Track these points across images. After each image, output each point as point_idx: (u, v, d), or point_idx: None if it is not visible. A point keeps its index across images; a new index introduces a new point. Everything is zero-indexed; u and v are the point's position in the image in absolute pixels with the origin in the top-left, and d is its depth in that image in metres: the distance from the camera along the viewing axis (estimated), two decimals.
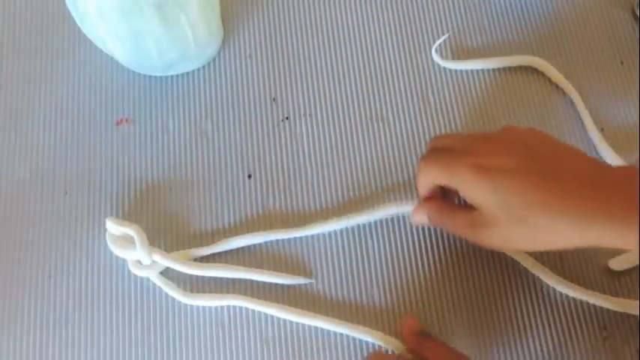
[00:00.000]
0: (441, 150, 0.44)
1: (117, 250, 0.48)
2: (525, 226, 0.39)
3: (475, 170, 0.40)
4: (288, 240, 0.50)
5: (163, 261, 0.47)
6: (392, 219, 0.50)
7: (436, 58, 0.55)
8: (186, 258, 0.48)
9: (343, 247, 0.49)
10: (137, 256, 0.47)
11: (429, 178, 0.44)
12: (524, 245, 0.41)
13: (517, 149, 0.41)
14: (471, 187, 0.40)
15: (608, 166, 0.41)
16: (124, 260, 0.49)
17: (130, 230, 0.47)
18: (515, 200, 0.39)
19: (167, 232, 0.50)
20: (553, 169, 0.40)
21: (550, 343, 0.47)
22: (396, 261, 0.49)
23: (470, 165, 0.40)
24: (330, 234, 0.50)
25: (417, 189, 0.46)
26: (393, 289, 0.48)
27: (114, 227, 0.48)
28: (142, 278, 0.49)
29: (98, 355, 0.47)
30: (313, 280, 0.48)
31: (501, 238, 0.40)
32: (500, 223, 0.40)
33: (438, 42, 0.55)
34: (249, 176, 0.52)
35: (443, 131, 0.53)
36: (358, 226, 0.50)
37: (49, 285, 0.49)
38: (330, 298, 0.48)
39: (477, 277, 0.48)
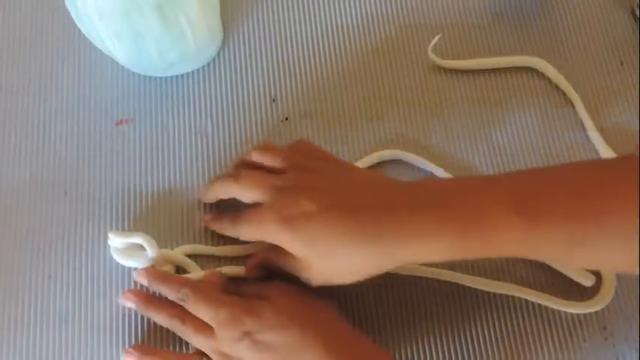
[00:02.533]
0: (250, 207, 0.45)
1: (125, 261, 0.48)
2: (334, 260, 0.41)
3: (283, 224, 0.42)
4: None
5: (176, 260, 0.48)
6: None
7: (433, 58, 0.55)
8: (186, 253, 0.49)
9: None
10: (148, 262, 0.47)
11: (243, 236, 0.46)
12: (343, 278, 0.43)
13: (319, 193, 0.43)
14: (281, 239, 0.42)
15: (402, 185, 0.44)
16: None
17: (136, 239, 0.47)
18: (320, 240, 0.41)
19: (167, 233, 0.50)
20: (350, 200, 0.42)
21: (550, 343, 0.47)
22: None
23: (277, 221, 0.42)
24: None
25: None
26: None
27: (118, 240, 0.48)
28: None
29: (98, 354, 0.47)
30: None
31: (321, 276, 0.43)
32: (314, 264, 0.42)
33: (432, 43, 0.55)
34: None
35: (442, 132, 0.53)
36: None
37: (49, 285, 0.49)
38: None
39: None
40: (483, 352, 0.47)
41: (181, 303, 0.44)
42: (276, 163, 0.46)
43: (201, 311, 0.43)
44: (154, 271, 0.47)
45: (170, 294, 0.45)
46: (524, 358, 0.47)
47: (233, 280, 0.47)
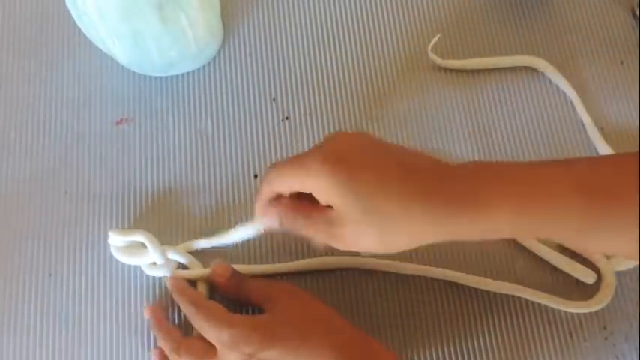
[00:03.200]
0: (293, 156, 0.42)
1: (127, 259, 0.48)
2: (379, 220, 0.38)
3: (329, 162, 0.38)
4: None
5: (178, 257, 0.48)
6: None
7: (432, 57, 0.55)
8: (187, 250, 0.49)
9: None
10: (150, 259, 0.47)
11: (280, 183, 0.41)
12: (377, 244, 0.39)
13: (368, 147, 0.40)
14: (325, 182, 0.38)
15: (454, 165, 0.41)
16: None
17: (137, 237, 0.47)
18: (370, 191, 0.38)
19: (167, 231, 0.50)
20: (404, 162, 0.39)
21: (550, 342, 0.47)
22: None
23: (323, 158, 0.38)
24: None
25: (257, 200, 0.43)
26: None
27: (118, 238, 0.48)
28: (141, 275, 0.49)
29: (98, 354, 0.47)
30: None
31: (355, 236, 0.39)
32: (355, 219, 0.38)
33: (432, 43, 0.55)
34: (255, 176, 0.52)
35: (442, 132, 0.53)
36: None
37: (50, 283, 0.49)
38: None
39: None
40: (484, 351, 0.47)
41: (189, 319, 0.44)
42: None
43: (205, 331, 0.42)
44: (173, 282, 0.47)
45: (182, 307, 0.45)
46: (524, 358, 0.46)
47: (238, 277, 0.47)
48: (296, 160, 0.40)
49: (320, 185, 0.38)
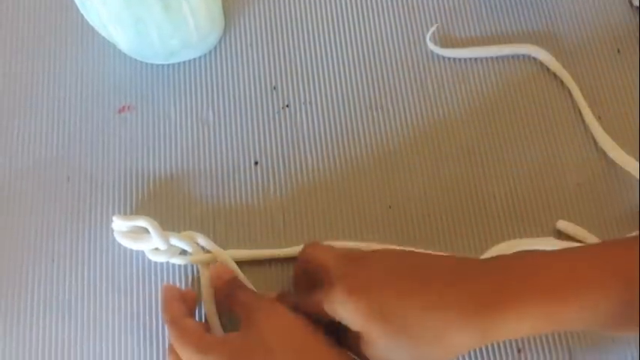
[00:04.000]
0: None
1: (130, 244, 0.48)
2: (408, 339, 0.38)
3: (348, 290, 0.39)
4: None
5: (180, 243, 0.48)
6: None
7: (431, 46, 0.55)
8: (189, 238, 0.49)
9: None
10: (152, 245, 0.48)
11: (308, 309, 0.42)
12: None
13: (382, 264, 0.41)
14: (350, 314, 0.39)
15: (474, 261, 0.41)
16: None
17: (140, 222, 0.47)
18: (393, 308, 0.38)
19: (169, 219, 0.50)
20: (421, 274, 0.39)
21: (550, 341, 0.47)
22: None
23: (343, 288, 0.39)
24: None
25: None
26: None
27: (122, 223, 0.48)
28: (143, 262, 0.49)
29: (101, 340, 0.47)
30: None
31: (385, 355, 0.39)
32: (384, 343, 0.38)
33: (429, 32, 0.56)
34: (256, 163, 0.52)
35: (441, 120, 0.53)
36: None
37: (53, 270, 0.49)
38: None
39: None
40: (484, 351, 0.47)
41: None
42: None
43: (179, 350, 0.41)
44: (165, 290, 0.46)
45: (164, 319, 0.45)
46: (521, 344, 0.47)
47: (233, 284, 0.46)
48: (322, 293, 0.40)
49: (347, 318, 0.39)
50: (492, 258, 0.41)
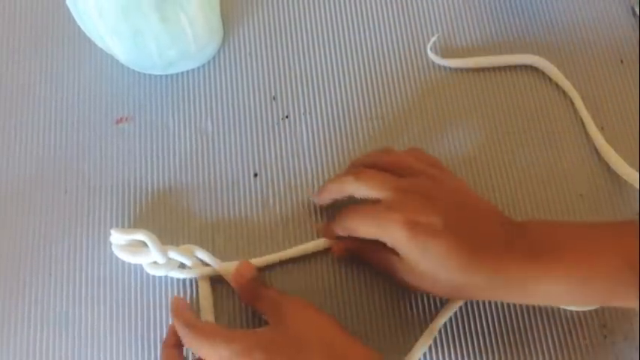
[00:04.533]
0: (365, 203, 0.45)
1: (128, 258, 0.48)
2: (437, 279, 0.42)
3: (407, 228, 0.41)
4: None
5: (179, 257, 0.48)
6: None
7: (432, 56, 0.55)
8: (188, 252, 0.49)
9: None
10: (151, 258, 0.47)
11: (356, 231, 0.44)
12: (438, 293, 0.44)
13: (444, 208, 0.42)
14: (401, 244, 0.42)
15: (521, 224, 0.43)
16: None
17: (138, 236, 0.47)
18: (436, 259, 0.41)
19: (167, 231, 0.50)
20: (471, 232, 0.42)
21: (550, 341, 0.47)
22: None
23: (401, 223, 0.41)
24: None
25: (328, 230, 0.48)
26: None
27: (120, 237, 0.48)
28: (141, 275, 0.49)
29: (99, 353, 0.47)
30: None
31: (417, 283, 0.43)
32: (418, 273, 0.42)
33: (430, 42, 0.55)
34: (255, 175, 0.52)
35: (442, 131, 0.53)
36: None
37: (49, 283, 0.49)
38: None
39: None
40: (483, 351, 0.47)
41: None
42: (396, 165, 0.46)
43: (203, 351, 0.41)
44: (175, 301, 0.45)
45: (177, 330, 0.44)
46: (523, 357, 0.47)
47: (257, 282, 0.46)
48: (374, 213, 0.43)
49: (395, 244, 0.42)
50: (524, 223, 0.44)
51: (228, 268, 0.48)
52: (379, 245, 0.43)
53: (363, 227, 0.44)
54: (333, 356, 0.40)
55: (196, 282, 0.48)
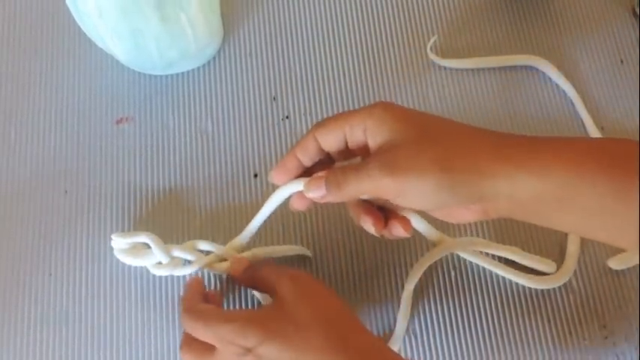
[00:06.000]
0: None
1: (132, 261, 0.48)
2: (437, 141, 0.38)
3: (388, 104, 0.40)
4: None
5: (183, 254, 0.47)
6: None
7: (432, 57, 0.55)
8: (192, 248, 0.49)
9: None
10: (155, 259, 0.47)
11: (327, 134, 0.41)
12: (435, 161, 0.37)
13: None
14: (384, 114, 0.39)
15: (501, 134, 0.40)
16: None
17: (140, 238, 0.47)
18: (428, 120, 0.40)
19: (167, 231, 0.50)
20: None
21: (550, 341, 0.47)
22: None
23: (382, 104, 0.40)
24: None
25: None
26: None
27: (121, 241, 0.48)
28: (142, 274, 0.49)
29: (98, 353, 0.47)
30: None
31: (411, 157, 0.37)
32: (413, 138, 0.38)
33: (430, 42, 0.55)
34: (255, 175, 0.52)
35: None
36: None
37: (50, 283, 0.49)
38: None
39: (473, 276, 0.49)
40: (483, 350, 0.47)
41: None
42: None
43: (202, 332, 0.40)
44: (190, 283, 0.46)
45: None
46: (523, 357, 0.47)
47: (252, 268, 0.46)
48: (345, 113, 0.41)
49: (378, 116, 0.39)
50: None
51: (229, 250, 0.48)
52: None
53: (338, 126, 0.40)
54: (333, 337, 0.39)
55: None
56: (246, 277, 0.46)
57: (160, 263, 0.48)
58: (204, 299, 0.44)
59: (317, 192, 0.41)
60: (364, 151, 0.40)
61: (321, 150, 0.41)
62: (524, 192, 0.36)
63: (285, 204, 0.50)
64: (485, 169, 0.37)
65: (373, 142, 0.39)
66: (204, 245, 0.48)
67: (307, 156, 0.42)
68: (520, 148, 0.37)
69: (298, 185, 0.42)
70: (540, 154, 0.37)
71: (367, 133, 0.39)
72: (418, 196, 0.38)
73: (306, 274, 0.43)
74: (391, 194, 0.38)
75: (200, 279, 0.47)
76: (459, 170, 0.37)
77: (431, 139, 0.38)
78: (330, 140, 0.41)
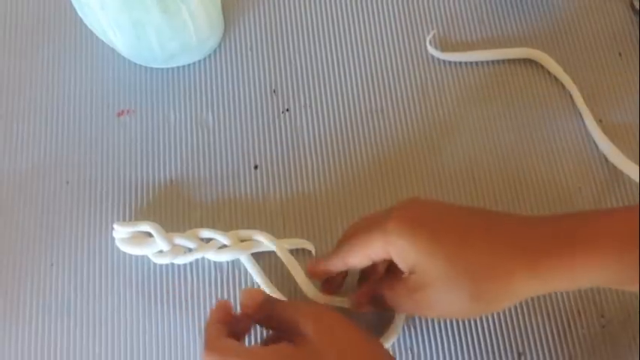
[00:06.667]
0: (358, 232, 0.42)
1: (133, 250, 0.48)
2: (471, 275, 0.37)
3: (408, 224, 0.38)
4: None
5: (185, 242, 0.48)
6: None
7: (431, 50, 0.55)
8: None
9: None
10: (156, 248, 0.48)
11: (354, 255, 0.41)
12: (469, 301, 0.38)
13: (445, 210, 0.40)
14: (407, 243, 0.38)
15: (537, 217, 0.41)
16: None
17: (142, 227, 0.47)
18: (455, 249, 0.37)
19: (168, 223, 0.50)
20: (488, 218, 0.40)
21: (548, 331, 0.47)
22: None
23: (401, 221, 0.38)
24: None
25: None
26: None
27: (123, 230, 0.48)
28: (143, 265, 0.49)
29: (100, 343, 0.47)
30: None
31: (442, 297, 0.38)
32: (441, 278, 0.37)
33: (429, 36, 0.56)
34: (256, 167, 0.52)
35: (441, 124, 0.53)
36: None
37: (52, 274, 0.49)
38: None
39: None
40: (482, 343, 0.47)
41: None
42: None
43: None
44: (216, 310, 0.42)
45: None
46: (522, 348, 0.47)
47: (269, 304, 0.42)
48: (372, 226, 0.40)
49: (401, 247, 0.38)
50: (546, 217, 0.41)
51: (233, 238, 0.48)
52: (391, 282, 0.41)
53: (361, 248, 0.41)
54: None
55: (203, 267, 0.48)
56: (262, 316, 0.42)
57: (161, 252, 0.48)
58: (231, 326, 0.41)
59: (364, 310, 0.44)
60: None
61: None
62: (561, 288, 0.38)
63: (286, 195, 0.51)
64: (520, 290, 0.37)
65: (401, 267, 0.39)
66: (206, 233, 0.48)
67: (340, 268, 0.43)
68: (551, 256, 0.37)
69: None
70: (574, 257, 0.36)
71: (393, 258, 0.39)
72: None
73: (330, 312, 0.40)
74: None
75: (228, 304, 0.42)
76: (492, 300, 0.38)
77: (458, 270, 0.37)
78: (357, 263, 0.41)
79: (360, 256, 0.41)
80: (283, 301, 0.43)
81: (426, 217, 0.39)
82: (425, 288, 0.38)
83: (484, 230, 0.38)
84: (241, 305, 0.42)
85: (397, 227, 0.38)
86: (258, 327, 0.47)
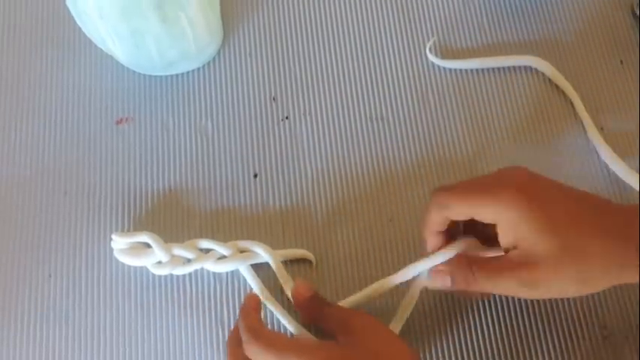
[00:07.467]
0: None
1: (132, 261, 0.48)
2: (578, 259, 0.36)
3: (524, 194, 0.36)
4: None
5: (183, 252, 0.47)
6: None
7: (431, 57, 0.55)
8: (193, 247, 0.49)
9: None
10: (155, 259, 0.47)
11: (459, 210, 0.39)
12: (575, 284, 0.37)
13: (553, 184, 0.39)
14: (519, 215, 0.36)
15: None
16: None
17: (141, 238, 0.47)
18: (566, 228, 0.36)
19: (167, 232, 0.50)
20: (596, 204, 0.38)
21: (550, 342, 0.47)
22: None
23: (516, 190, 0.36)
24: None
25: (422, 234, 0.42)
26: None
27: (122, 241, 0.48)
28: (142, 276, 0.49)
29: (98, 354, 0.47)
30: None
31: (550, 277, 0.36)
32: (552, 257, 0.36)
33: (429, 43, 0.55)
34: (255, 176, 0.52)
35: (441, 131, 0.53)
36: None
37: (49, 284, 0.49)
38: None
39: None
40: (483, 351, 0.47)
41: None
42: None
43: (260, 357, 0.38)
44: (248, 299, 0.42)
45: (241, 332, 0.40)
46: (523, 357, 0.47)
47: (319, 300, 0.44)
48: (478, 187, 0.38)
49: (512, 220, 0.37)
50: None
51: (233, 248, 0.48)
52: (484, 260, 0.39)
53: (467, 206, 0.38)
54: None
55: (201, 277, 0.48)
56: (311, 309, 0.43)
57: (160, 262, 0.48)
58: (259, 312, 0.42)
59: (443, 284, 0.41)
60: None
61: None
62: None
63: (285, 203, 0.51)
64: (623, 280, 0.37)
65: (504, 239, 0.38)
66: (205, 244, 0.48)
67: (438, 229, 0.41)
68: None
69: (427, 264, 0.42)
70: None
71: (498, 227, 0.38)
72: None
73: (370, 315, 0.41)
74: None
75: (257, 296, 0.43)
76: (595, 285, 0.37)
77: (570, 253, 0.36)
78: (460, 218, 0.40)
79: (462, 214, 0.39)
80: (331, 302, 0.44)
81: (539, 192, 0.37)
82: (532, 266, 0.36)
83: (596, 216, 0.37)
84: (293, 295, 0.44)
85: (511, 198, 0.36)
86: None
